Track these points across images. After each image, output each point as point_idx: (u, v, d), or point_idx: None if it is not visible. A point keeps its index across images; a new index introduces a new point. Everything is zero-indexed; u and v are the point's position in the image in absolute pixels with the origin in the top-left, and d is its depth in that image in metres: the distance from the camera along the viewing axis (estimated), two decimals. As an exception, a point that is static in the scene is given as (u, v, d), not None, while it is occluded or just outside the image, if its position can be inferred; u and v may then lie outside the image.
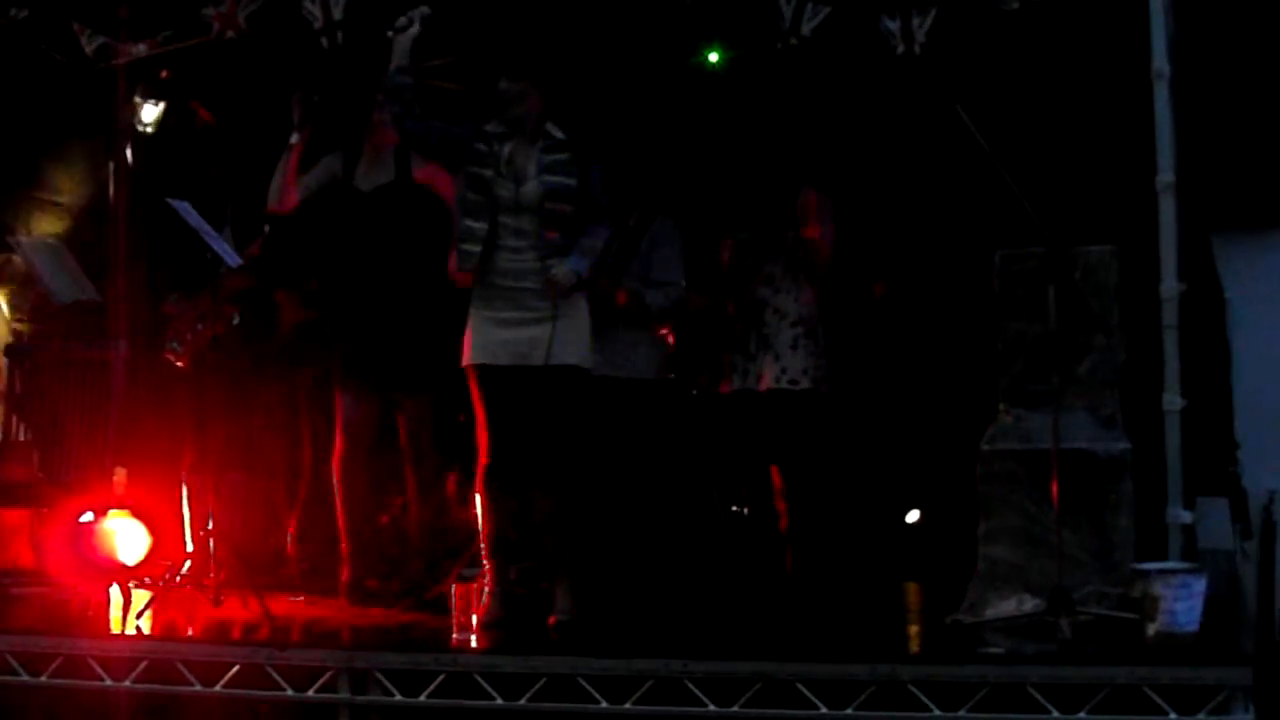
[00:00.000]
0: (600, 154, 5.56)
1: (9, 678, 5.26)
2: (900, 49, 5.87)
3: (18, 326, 7.39)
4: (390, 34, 5.39)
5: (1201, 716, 4.49)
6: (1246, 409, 5.41)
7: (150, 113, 7.25)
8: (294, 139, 6.15)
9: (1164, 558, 5.20)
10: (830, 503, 6.10)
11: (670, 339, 6.59)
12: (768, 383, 6.07)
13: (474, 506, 5.76)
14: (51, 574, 6.51)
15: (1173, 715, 4.50)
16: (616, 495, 6.25)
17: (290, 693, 5.07)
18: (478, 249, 5.40)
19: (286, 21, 6.28)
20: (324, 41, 6.20)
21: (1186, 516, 5.28)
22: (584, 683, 4.87)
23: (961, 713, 4.63)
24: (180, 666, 5.14)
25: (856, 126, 7.02)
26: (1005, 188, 5.19)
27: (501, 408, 5.46)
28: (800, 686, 4.73)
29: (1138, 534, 5.33)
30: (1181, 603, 4.81)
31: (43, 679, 5.24)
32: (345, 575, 6.15)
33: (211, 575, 5.82)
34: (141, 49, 6.71)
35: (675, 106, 7.09)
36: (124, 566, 6.50)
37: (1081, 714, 4.56)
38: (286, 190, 6.15)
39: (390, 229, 6.14)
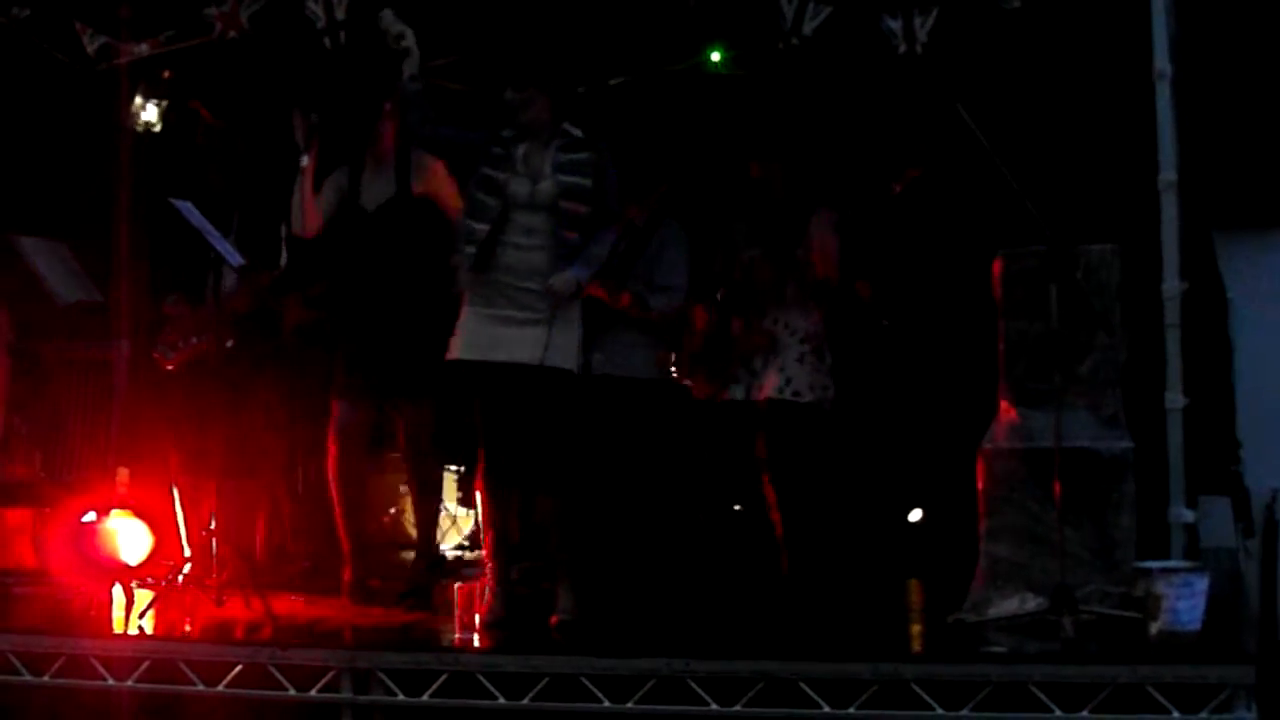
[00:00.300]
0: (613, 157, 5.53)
1: (11, 677, 5.26)
2: (902, 48, 5.87)
3: (20, 327, 7.39)
4: (392, 46, 5.38)
5: (1204, 715, 4.49)
6: (1248, 407, 5.43)
7: (152, 112, 7.25)
8: (304, 162, 6.07)
9: (1166, 556, 5.22)
10: (825, 514, 6.05)
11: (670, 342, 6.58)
12: (768, 392, 5.95)
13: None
14: (54, 574, 6.51)
15: (1175, 714, 4.50)
16: (618, 495, 6.25)
17: (293, 692, 5.06)
18: (475, 250, 5.39)
19: (289, 22, 6.27)
20: (326, 41, 6.20)
21: (1189, 515, 5.29)
22: (586, 682, 4.87)
23: (964, 711, 4.62)
24: (183, 666, 5.14)
25: (857, 126, 7.01)
26: (1007, 187, 5.19)
27: (493, 405, 5.44)
28: (803, 685, 4.73)
29: (1140, 532, 5.33)
30: (1184, 601, 4.81)
31: (45, 679, 5.24)
32: (347, 575, 6.15)
33: (214, 575, 5.82)
34: (143, 49, 6.70)
35: (676, 108, 7.09)
36: (126, 566, 6.49)
37: (1084, 713, 4.55)
38: (308, 215, 6.11)
39: (392, 243, 6.12)
